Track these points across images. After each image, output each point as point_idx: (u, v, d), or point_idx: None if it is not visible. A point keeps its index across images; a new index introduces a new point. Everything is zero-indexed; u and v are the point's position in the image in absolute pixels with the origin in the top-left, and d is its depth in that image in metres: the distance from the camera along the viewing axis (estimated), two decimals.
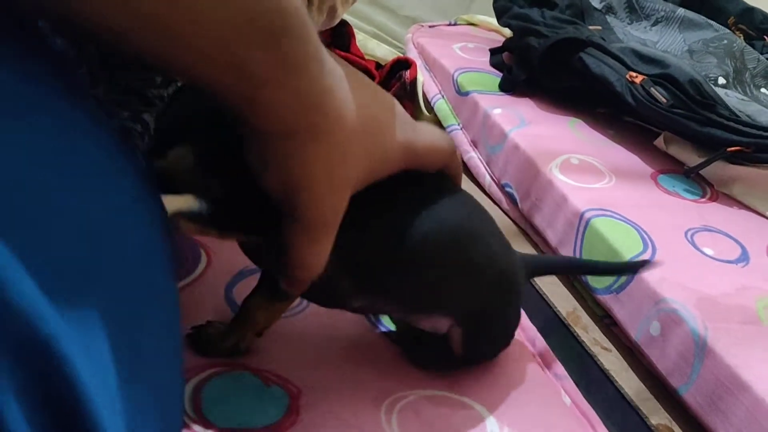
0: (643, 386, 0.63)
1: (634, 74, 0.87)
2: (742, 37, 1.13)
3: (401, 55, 1.09)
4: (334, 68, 0.34)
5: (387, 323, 0.54)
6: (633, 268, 0.57)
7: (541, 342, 0.59)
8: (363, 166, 0.37)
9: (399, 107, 0.40)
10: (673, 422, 0.60)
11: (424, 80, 1.05)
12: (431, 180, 0.45)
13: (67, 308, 0.21)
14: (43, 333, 0.19)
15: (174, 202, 0.36)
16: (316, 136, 0.33)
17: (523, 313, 0.62)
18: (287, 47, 0.30)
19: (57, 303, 0.20)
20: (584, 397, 0.54)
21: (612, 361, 0.65)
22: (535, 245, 0.81)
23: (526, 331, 0.61)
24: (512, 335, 0.53)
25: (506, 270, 0.49)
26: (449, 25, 1.24)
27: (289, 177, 0.34)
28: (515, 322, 0.53)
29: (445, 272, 0.45)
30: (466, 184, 0.91)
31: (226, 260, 0.57)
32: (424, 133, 0.42)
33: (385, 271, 0.44)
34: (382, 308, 0.49)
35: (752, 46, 1.11)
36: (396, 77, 1.03)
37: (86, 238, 0.23)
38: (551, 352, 0.58)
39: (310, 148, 0.34)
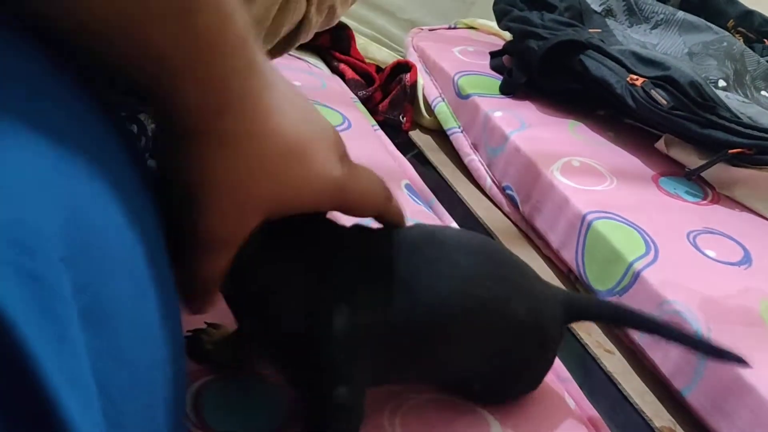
0: (647, 388, 0.63)
1: (634, 77, 0.86)
2: (741, 40, 1.13)
3: (401, 58, 1.09)
4: (269, 76, 0.30)
5: None
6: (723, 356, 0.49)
7: None
8: (278, 191, 0.33)
9: (341, 143, 0.36)
10: (677, 424, 0.59)
11: (425, 83, 1.05)
12: (447, 239, 0.44)
13: (44, 309, 0.19)
14: (15, 338, 0.18)
15: None
16: (225, 140, 0.30)
17: None
18: (202, 25, 0.26)
19: (31, 306, 0.18)
20: (588, 399, 0.54)
21: (615, 363, 0.65)
22: (536, 248, 0.81)
23: None
24: (539, 380, 0.50)
25: (527, 320, 0.45)
26: (449, 28, 1.24)
27: (190, 177, 0.30)
28: (542, 368, 0.49)
29: (462, 340, 0.43)
30: (468, 187, 0.91)
31: None
32: (360, 177, 0.38)
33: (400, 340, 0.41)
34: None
35: (752, 48, 1.10)
36: (396, 80, 1.04)
37: (76, 232, 0.21)
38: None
39: (218, 152, 0.30)
